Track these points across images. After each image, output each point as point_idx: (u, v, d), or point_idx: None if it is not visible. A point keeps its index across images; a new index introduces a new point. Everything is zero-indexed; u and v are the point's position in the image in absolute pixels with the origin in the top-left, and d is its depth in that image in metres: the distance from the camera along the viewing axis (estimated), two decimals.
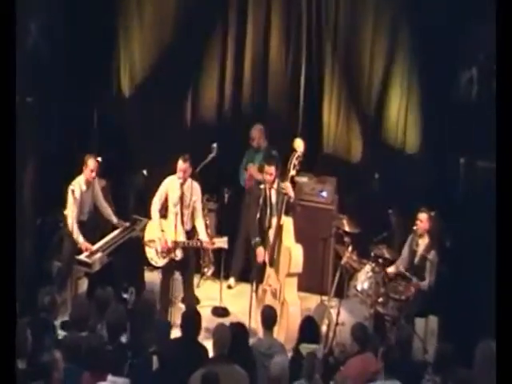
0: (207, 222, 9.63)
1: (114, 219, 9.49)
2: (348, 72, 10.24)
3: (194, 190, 9.05)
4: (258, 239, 9.00)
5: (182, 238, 9.00)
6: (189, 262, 9.23)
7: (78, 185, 9.15)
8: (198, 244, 9.02)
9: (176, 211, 8.99)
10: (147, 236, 9.19)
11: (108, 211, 9.49)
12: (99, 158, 9.34)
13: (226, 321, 8.30)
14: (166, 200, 9.09)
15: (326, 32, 10.16)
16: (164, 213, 9.16)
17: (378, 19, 9.95)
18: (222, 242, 8.97)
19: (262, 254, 8.95)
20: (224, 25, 10.53)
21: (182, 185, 8.92)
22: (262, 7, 10.36)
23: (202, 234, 9.07)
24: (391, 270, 9.06)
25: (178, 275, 9.35)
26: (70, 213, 9.02)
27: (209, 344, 6.98)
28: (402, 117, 10.07)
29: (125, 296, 8.93)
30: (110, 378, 6.35)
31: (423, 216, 8.90)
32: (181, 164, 8.88)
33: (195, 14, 10.54)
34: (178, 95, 10.71)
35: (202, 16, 10.53)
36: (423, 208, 8.93)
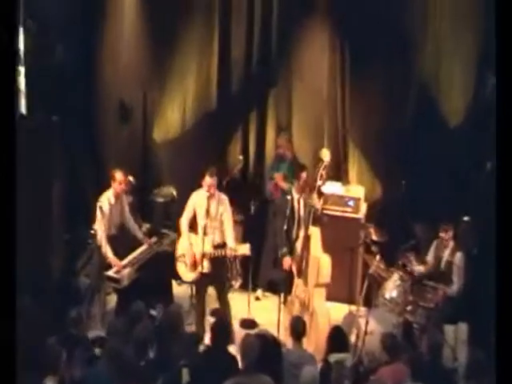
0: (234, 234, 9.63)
1: (140, 235, 9.53)
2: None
3: (222, 202, 9.05)
4: (285, 249, 8.99)
5: (209, 249, 9.02)
6: (220, 274, 9.25)
7: (106, 199, 9.20)
8: (223, 253, 9.03)
9: (204, 224, 9.02)
10: (178, 251, 9.21)
11: (134, 227, 9.53)
12: (131, 178, 9.41)
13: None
14: (195, 214, 9.12)
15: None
16: (193, 227, 9.19)
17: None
18: (244, 249, 8.96)
19: (288, 263, 8.93)
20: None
21: (209, 198, 8.95)
22: None
23: (230, 243, 9.06)
24: (419, 269, 9.04)
25: (209, 289, 9.37)
26: (99, 227, 9.08)
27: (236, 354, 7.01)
28: None
29: (153, 313, 8.95)
30: None
31: (448, 227, 8.86)
32: (208, 179, 8.90)
33: None
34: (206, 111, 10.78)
35: None
36: (446, 221, 8.91)
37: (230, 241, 9.06)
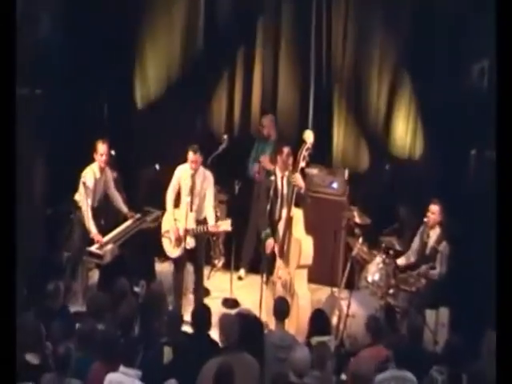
0: (218, 214, 9.62)
1: (124, 208, 9.50)
2: (355, 93, 10.25)
3: (207, 178, 9.10)
4: (267, 231, 8.97)
5: (192, 225, 9.02)
6: (200, 251, 9.25)
7: (91, 172, 9.16)
8: (205, 229, 9.03)
9: (188, 200, 9.02)
10: (163, 227, 9.24)
11: (119, 200, 9.50)
12: (113, 152, 9.35)
13: None
14: (180, 189, 9.13)
15: (334, 56, 10.19)
16: (177, 202, 9.20)
17: (386, 36, 9.96)
18: (225, 225, 8.98)
19: (271, 245, 8.93)
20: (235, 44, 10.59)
21: (193, 175, 8.96)
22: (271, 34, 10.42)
23: (210, 221, 9.09)
24: (402, 261, 9.07)
25: (189, 266, 9.36)
26: (83, 201, 9.02)
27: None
28: (410, 131, 10.08)
29: (136, 289, 8.93)
30: (121, 368, 6.38)
31: (435, 208, 8.88)
32: (191, 155, 8.93)
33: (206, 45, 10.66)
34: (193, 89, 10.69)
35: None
36: (435, 200, 8.92)
37: (211, 218, 9.09)
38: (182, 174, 9.09)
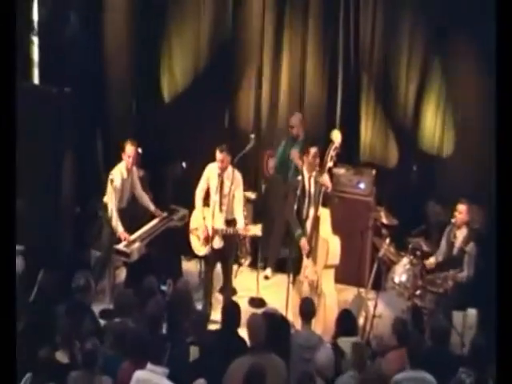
0: (244, 213, 9.62)
1: (152, 207, 9.53)
2: (384, 86, 10.16)
3: (235, 179, 9.09)
4: (299, 231, 8.94)
5: (220, 226, 9.03)
6: (229, 251, 9.26)
7: (118, 172, 9.21)
8: (234, 232, 9.05)
9: (215, 199, 9.02)
10: (192, 224, 9.26)
11: (146, 199, 9.54)
12: (140, 150, 9.39)
13: None
14: (209, 188, 9.14)
15: (362, 48, 10.08)
16: (207, 201, 9.21)
17: (414, 32, 9.86)
18: (256, 230, 9.01)
19: (306, 246, 8.88)
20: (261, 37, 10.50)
21: (220, 174, 8.96)
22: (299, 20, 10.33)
23: (240, 223, 9.10)
24: (429, 262, 9.02)
25: (218, 265, 9.38)
26: (110, 201, 9.06)
27: (245, 334, 7.00)
28: (438, 126, 9.95)
29: (163, 288, 8.96)
30: (149, 366, 6.40)
31: (462, 208, 8.83)
32: (218, 154, 8.93)
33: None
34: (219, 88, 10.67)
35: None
36: (462, 199, 8.87)
37: (240, 220, 9.09)
38: (211, 173, 9.11)
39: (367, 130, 10.34)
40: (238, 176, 9.12)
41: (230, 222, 9.13)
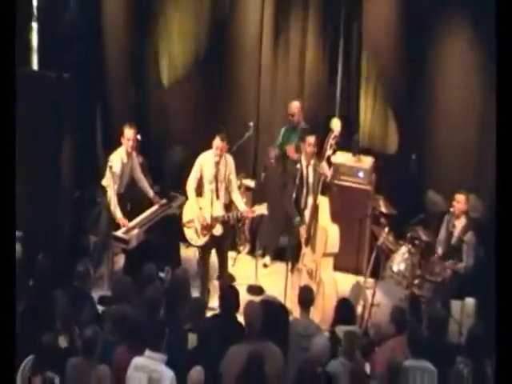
0: (244, 200, 9.59)
1: (151, 192, 9.51)
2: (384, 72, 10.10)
3: (228, 163, 9.04)
4: (298, 218, 8.95)
5: (220, 212, 9.00)
6: (225, 237, 9.23)
7: (118, 157, 9.17)
8: (239, 215, 9.04)
9: (212, 188, 8.99)
10: (185, 217, 9.19)
11: (145, 184, 9.50)
12: (139, 136, 9.38)
13: None
14: (201, 177, 9.09)
15: (364, 32, 9.98)
16: (199, 191, 9.17)
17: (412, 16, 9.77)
18: (262, 209, 8.97)
19: (304, 233, 8.89)
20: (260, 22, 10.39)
21: (217, 162, 8.93)
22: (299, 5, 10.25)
23: (241, 205, 9.08)
24: (428, 252, 9.02)
25: (214, 253, 9.37)
26: (109, 186, 9.05)
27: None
28: None
29: (161, 275, 8.96)
30: (147, 352, 6.42)
31: (460, 197, 8.82)
32: (218, 142, 8.87)
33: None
34: (218, 76, 10.63)
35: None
36: (461, 189, 8.87)
37: (240, 203, 9.09)
38: (205, 162, 9.03)
39: (367, 117, 10.29)
40: (230, 160, 9.07)
41: (227, 207, 9.10)
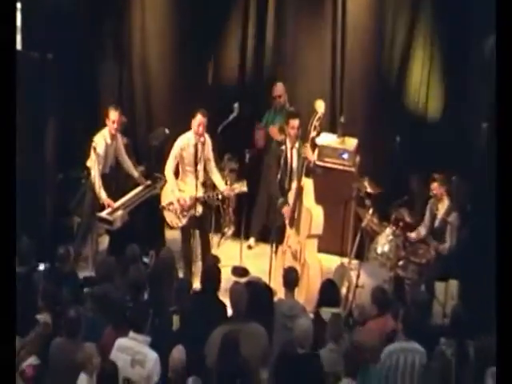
0: (228, 183, 9.58)
1: (136, 173, 9.49)
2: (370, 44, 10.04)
3: (206, 143, 9.02)
4: (282, 199, 8.95)
5: (199, 193, 8.98)
6: (205, 217, 9.23)
7: (102, 138, 9.13)
8: (218, 194, 9.01)
9: (191, 169, 8.98)
10: (164, 200, 9.16)
11: (130, 166, 9.48)
12: (124, 118, 9.32)
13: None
14: (181, 159, 9.03)
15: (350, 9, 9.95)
16: (179, 173, 9.16)
17: None
18: (241, 186, 8.96)
19: (288, 212, 8.89)
20: None
21: (196, 143, 8.87)
22: None
23: (221, 185, 9.07)
24: (413, 234, 9.05)
25: (197, 233, 9.36)
26: (93, 167, 9.01)
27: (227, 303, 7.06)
28: (424, 82, 9.87)
29: (145, 260, 8.95)
30: (131, 334, 6.44)
31: (434, 185, 8.84)
32: (199, 118, 8.83)
33: None
34: (201, 57, 10.58)
35: None
36: (435, 174, 8.87)
37: (220, 182, 9.09)
38: (185, 144, 8.98)
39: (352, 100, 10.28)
40: (208, 140, 9.04)
41: (206, 185, 9.09)
